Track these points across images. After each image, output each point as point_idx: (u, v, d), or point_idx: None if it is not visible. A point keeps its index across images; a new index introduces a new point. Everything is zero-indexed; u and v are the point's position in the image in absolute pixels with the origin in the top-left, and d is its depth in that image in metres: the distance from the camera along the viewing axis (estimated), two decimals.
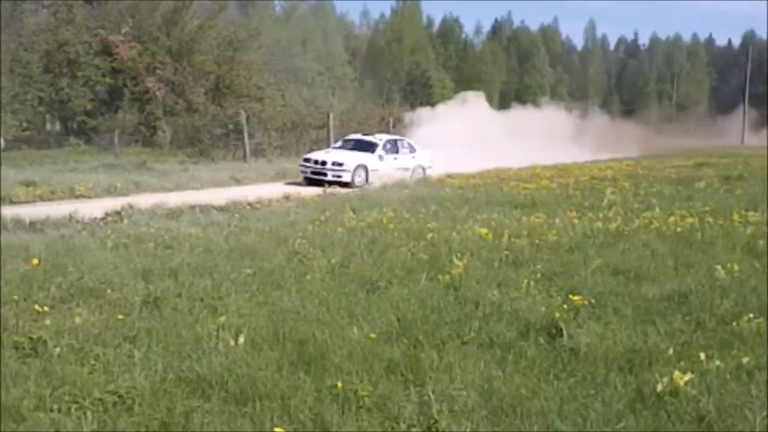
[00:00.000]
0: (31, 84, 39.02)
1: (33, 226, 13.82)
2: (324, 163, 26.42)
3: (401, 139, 30.42)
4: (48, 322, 7.06)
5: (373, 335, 6.73)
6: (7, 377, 5.71)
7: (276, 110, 42.23)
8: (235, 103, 41.61)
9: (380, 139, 29.20)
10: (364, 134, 30.91)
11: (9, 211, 15.13)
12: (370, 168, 26.65)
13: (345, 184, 24.98)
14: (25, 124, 38.28)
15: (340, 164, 26.21)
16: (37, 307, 7.46)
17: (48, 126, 44.73)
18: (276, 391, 5.47)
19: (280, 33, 72.00)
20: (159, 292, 8.18)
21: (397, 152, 28.54)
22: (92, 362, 6.06)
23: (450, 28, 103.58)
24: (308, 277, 9.12)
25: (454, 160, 29.41)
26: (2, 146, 38.62)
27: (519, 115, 44.87)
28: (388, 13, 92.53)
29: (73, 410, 5.17)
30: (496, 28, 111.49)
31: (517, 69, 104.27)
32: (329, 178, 25.46)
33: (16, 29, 42.56)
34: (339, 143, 30.19)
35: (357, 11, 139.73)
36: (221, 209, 16.36)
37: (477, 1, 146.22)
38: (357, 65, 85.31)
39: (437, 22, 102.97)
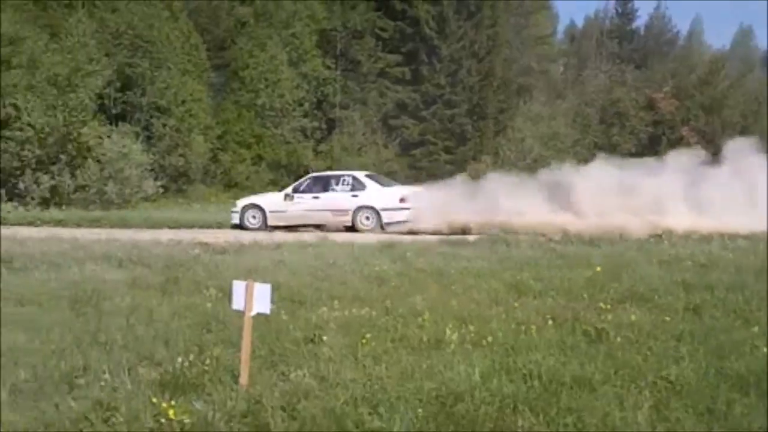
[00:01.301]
0: (588, 131, 40.53)
1: (590, 241, 14.24)
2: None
3: (343, 175, 20.16)
4: (609, 317, 7.20)
5: None
6: (581, 355, 5.94)
7: None
8: None
9: (309, 176, 21.30)
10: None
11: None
12: (268, 210, 19.23)
13: (236, 227, 19.09)
14: None
15: (235, 205, 20.04)
16: (601, 304, 7.66)
17: None
18: None
19: None
20: (698, 301, 7.86)
21: (324, 190, 19.40)
22: (645, 352, 6.02)
23: None
24: None
25: None
26: None
27: None
28: None
29: (631, 388, 5.19)
30: None
31: None
32: (233, 221, 19.59)
33: (579, 90, 44.82)
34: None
35: None
36: (746, 237, 15.10)
37: None
38: None
39: None
